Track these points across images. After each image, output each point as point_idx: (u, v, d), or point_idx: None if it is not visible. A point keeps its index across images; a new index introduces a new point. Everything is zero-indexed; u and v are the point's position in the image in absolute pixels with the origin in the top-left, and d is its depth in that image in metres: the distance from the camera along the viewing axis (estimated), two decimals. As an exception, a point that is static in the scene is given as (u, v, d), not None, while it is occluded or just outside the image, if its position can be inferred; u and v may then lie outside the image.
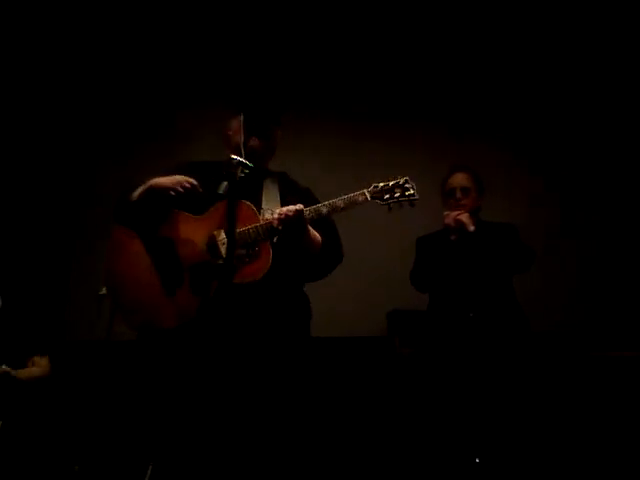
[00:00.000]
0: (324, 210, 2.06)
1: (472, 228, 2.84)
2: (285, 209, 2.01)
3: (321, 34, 4.43)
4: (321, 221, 2.17)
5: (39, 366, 3.20)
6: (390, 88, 4.48)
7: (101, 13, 4.28)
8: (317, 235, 2.17)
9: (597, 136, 4.43)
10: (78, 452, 3.32)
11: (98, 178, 4.42)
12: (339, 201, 2.07)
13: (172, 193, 2.04)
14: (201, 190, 2.08)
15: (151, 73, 4.51)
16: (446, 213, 2.93)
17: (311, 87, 4.39)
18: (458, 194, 2.97)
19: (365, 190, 2.11)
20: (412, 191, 2.15)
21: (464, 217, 2.86)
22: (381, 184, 2.13)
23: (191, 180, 2.07)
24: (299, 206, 2.01)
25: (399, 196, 2.12)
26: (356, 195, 2.10)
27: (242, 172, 1.89)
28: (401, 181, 2.15)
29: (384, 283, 4.10)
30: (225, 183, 1.90)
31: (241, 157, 1.91)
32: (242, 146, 2.09)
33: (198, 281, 2.03)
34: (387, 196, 2.11)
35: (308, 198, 2.23)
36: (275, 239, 2.09)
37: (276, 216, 2.01)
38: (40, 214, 4.28)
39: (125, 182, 2.17)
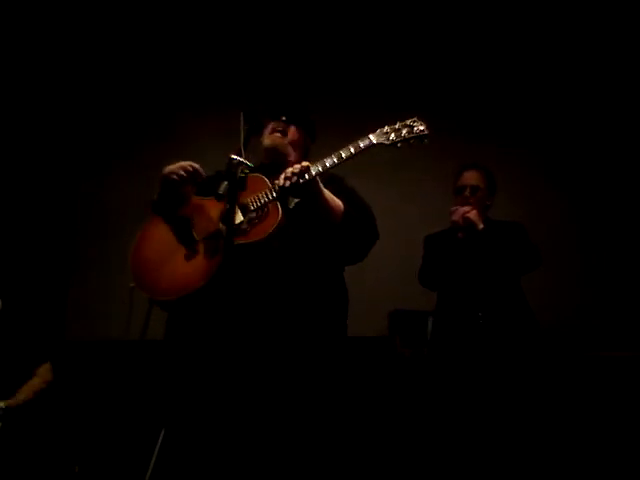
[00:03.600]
0: (329, 161, 2.02)
1: (481, 226, 2.82)
2: (291, 168, 2.01)
3: (325, 33, 4.43)
4: (348, 198, 2.17)
5: (40, 376, 3.19)
6: (392, 87, 4.47)
7: (101, 16, 4.29)
8: (337, 201, 2.13)
9: (599, 135, 4.42)
10: (78, 452, 3.32)
11: (98, 179, 4.42)
12: (343, 150, 2.03)
13: (175, 177, 2.12)
14: (204, 175, 2.16)
15: (150, 75, 4.50)
16: (454, 208, 2.90)
17: (314, 86, 4.39)
18: (467, 192, 2.94)
19: (370, 134, 2.05)
20: (422, 127, 2.02)
21: (472, 215, 2.84)
22: (387, 127, 2.05)
23: (194, 165, 2.14)
24: (305, 163, 2.00)
25: (407, 133, 2.01)
26: (360, 140, 2.04)
27: (242, 172, 1.90)
28: (409, 121, 2.03)
29: (385, 283, 4.10)
30: (225, 183, 1.91)
31: (241, 157, 1.92)
32: (242, 146, 2.09)
33: (210, 248, 2.08)
34: (393, 135, 2.02)
35: (334, 184, 2.21)
36: (292, 204, 2.10)
37: (282, 175, 2.01)
38: (40, 215, 4.28)
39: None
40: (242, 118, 2.16)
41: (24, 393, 3.09)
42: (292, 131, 2.31)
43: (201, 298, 2.03)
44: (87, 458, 3.35)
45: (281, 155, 2.28)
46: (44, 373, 3.21)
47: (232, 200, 1.87)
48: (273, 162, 2.27)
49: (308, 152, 2.37)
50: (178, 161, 2.18)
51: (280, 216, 2.04)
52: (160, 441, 2.49)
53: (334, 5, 4.35)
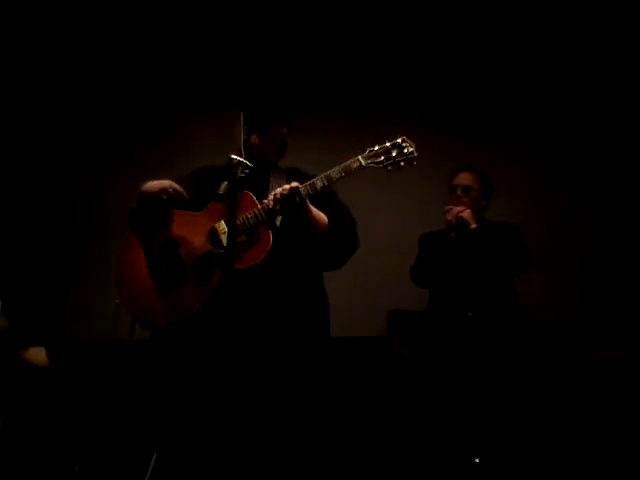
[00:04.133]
0: (319, 183, 2.02)
1: (473, 226, 2.85)
2: (280, 189, 2.00)
3: (323, 31, 4.42)
4: (329, 204, 2.16)
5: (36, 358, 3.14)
6: (392, 87, 4.47)
7: (101, 16, 4.28)
8: (322, 215, 2.13)
9: (599, 135, 4.42)
10: (78, 452, 3.32)
11: (98, 179, 4.42)
12: (333, 172, 2.02)
13: (155, 198, 2.07)
14: (187, 198, 2.10)
15: (150, 75, 4.49)
16: (448, 207, 2.94)
17: (313, 86, 4.39)
18: (458, 191, 2.98)
19: (359, 156, 2.03)
20: (411, 149, 2.01)
21: (466, 214, 2.87)
22: (376, 147, 2.03)
23: (175, 186, 2.08)
24: (294, 184, 2.00)
25: (396, 156, 2.01)
26: (350, 162, 2.03)
27: (242, 172, 1.89)
28: (398, 140, 2.03)
29: (384, 283, 4.10)
30: (225, 183, 1.91)
31: (241, 157, 1.92)
32: (242, 145, 2.09)
33: (201, 272, 2.05)
34: (383, 158, 2.01)
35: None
36: (278, 222, 2.08)
37: (271, 197, 2.01)
38: (40, 215, 4.28)
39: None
40: (242, 118, 2.16)
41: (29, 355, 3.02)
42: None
43: (189, 323, 2.03)
44: (87, 458, 3.35)
45: (260, 151, 2.21)
46: (42, 358, 3.13)
47: (232, 200, 1.86)
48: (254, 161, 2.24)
49: (286, 145, 2.33)
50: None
51: (271, 240, 2.03)
52: (159, 443, 2.49)
53: (335, 4, 4.35)
